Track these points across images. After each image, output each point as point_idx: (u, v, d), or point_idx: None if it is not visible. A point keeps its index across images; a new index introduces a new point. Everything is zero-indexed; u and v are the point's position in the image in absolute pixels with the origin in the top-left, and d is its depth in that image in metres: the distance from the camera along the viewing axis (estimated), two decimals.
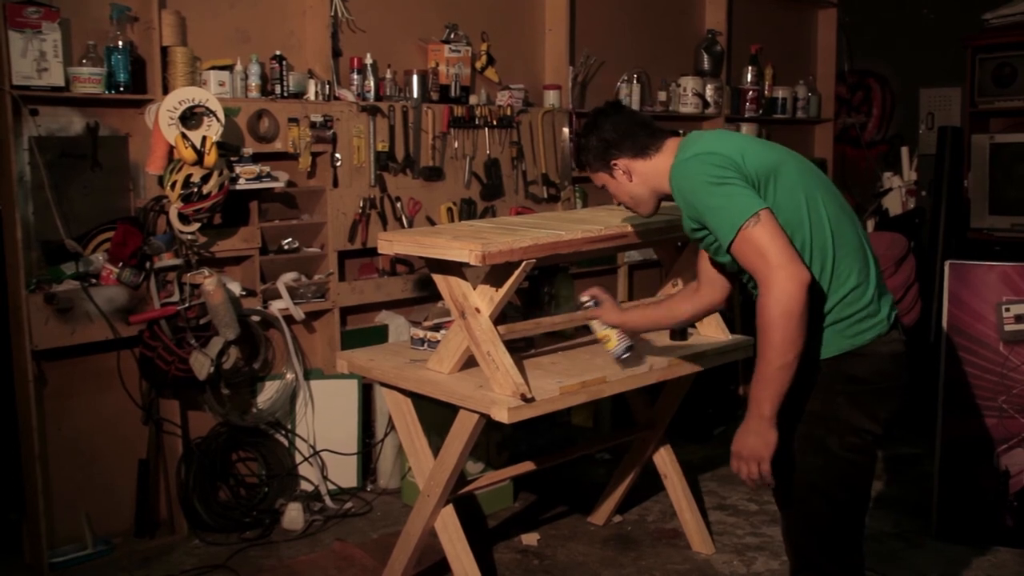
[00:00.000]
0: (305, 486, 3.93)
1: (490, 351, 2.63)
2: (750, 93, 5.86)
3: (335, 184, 4.01)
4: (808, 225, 2.16)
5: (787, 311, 1.98)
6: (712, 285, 2.52)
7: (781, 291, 1.98)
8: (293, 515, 3.71)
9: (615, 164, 2.39)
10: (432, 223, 4.29)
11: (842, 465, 2.19)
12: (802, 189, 2.18)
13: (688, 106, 5.47)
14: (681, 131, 5.51)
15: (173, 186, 3.36)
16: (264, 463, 3.85)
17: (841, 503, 2.22)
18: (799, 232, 2.15)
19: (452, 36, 4.47)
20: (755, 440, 2.07)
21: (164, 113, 3.37)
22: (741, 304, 5.09)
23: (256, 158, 3.70)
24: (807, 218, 2.16)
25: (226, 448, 3.76)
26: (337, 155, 4.00)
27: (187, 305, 3.48)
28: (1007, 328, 3.46)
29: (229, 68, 3.73)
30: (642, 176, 2.38)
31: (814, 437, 2.19)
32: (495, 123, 4.54)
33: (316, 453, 3.95)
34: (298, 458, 3.93)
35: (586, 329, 3.29)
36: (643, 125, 2.39)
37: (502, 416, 2.56)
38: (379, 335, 4.13)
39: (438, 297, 3.31)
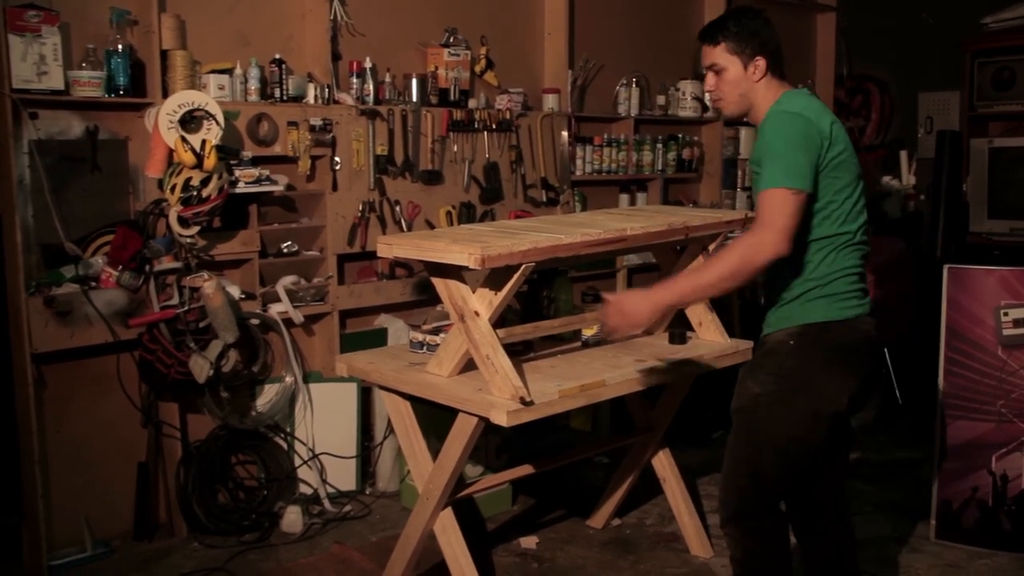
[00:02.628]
0: (304, 489, 3.93)
1: (489, 354, 2.63)
2: None
3: (334, 188, 4.01)
4: (850, 202, 2.39)
5: (748, 259, 2.26)
6: None
7: (757, 245, 2.25)
8: (292, 518, 3.71)
9: (758, 59, 2.47)
10: (431, 227, 4.30)
11: (799, 422, 2.36)
12: (857, 177, 2.43)
13: (687, 110, 5.49)
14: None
15: (172, 189, 3.36)
16: (263, 466, 3.85)
17: (789, 456, 2.39)
18: (841, 195, 2.37)
19: (451, 40, 4.48)
20: (645, 306, 2.36)
21: (164, 116, 3.37)
22: (740, 308, 5.09)
23: (255, 161, 3.71)
24: (851, 198, 2.40)
25: (225, 451, 3.76)
26: (336, 159, 4.00)
27: (186, 308, 3.48)
28: (1006, 332, 3.46)
29: (229, 72, 3.74)
30: (762, 85, 2.49)
31: (782, 390, 2.37)
32: (494, 127, 4.54)
33: (315, 456, 3.95)
34: (297, 461, 3.92)
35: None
36: (782, 49, 2.54)
37: (501, 419, 2.56)
38: (378, 338, 4.14)
39: (437, 300, 3.31)
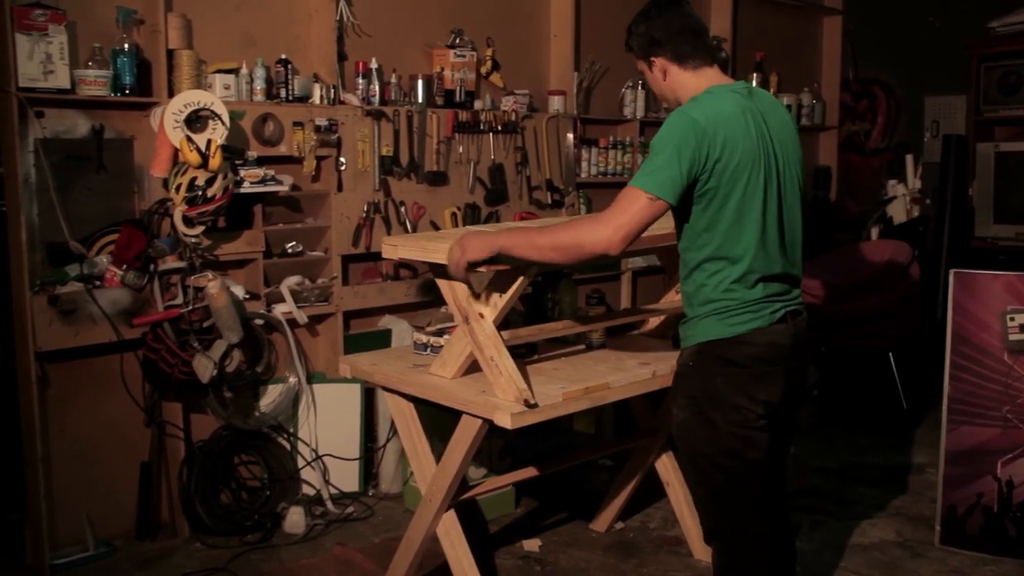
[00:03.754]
0: (307, 490, 3.92)
1: (493, 356, 2.62)
2: None
3: (339, 188, 4.01)
4: (727, 226, 2.27)
5: (579, 245, 2.25)
6: None
7: (592, 236, 2.22)
8: (295, 519, 3.70)
9: (654, 61, 2.43)
10: (436, 228, 4.30)
11: (727, 438, 2.34)
12: (747, 191, 2.26)
13: None
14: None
15: (178, 189, 3.36)
16: (266, 467, 3.84)
17: (734, 472, 2.36)
18: (727, 217, 2.26)
19: (457, 41, 4.48)
20: (479, 244, 2.44)
21: (169, 116, 3.37)
22: None
23: (261, 161, 3.71)
24: (745, 224, 2.27)
25: (228, 451, 3.76)
26: (342, 159, 4.00)
27: (191, 308, 3.48)
28: (1012, 337, 3.45)
29: (234, 71, 3.74)
30: (672, 81, 2.42)
31: (701, 411, 2.37)
32: (500, 128, 4.54)
33: (318, 457, 3.95)
34: (300, 462, 3.92)
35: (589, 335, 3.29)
36: (693, 34, 2.40)
37: (505, 422, 2.55)
38: (382, 339, 4.13)
39: (441, 302, 3.31)
